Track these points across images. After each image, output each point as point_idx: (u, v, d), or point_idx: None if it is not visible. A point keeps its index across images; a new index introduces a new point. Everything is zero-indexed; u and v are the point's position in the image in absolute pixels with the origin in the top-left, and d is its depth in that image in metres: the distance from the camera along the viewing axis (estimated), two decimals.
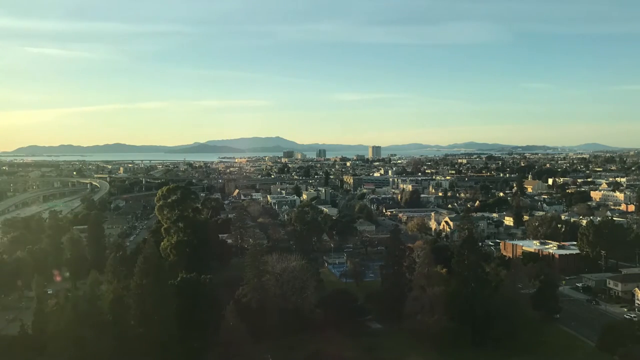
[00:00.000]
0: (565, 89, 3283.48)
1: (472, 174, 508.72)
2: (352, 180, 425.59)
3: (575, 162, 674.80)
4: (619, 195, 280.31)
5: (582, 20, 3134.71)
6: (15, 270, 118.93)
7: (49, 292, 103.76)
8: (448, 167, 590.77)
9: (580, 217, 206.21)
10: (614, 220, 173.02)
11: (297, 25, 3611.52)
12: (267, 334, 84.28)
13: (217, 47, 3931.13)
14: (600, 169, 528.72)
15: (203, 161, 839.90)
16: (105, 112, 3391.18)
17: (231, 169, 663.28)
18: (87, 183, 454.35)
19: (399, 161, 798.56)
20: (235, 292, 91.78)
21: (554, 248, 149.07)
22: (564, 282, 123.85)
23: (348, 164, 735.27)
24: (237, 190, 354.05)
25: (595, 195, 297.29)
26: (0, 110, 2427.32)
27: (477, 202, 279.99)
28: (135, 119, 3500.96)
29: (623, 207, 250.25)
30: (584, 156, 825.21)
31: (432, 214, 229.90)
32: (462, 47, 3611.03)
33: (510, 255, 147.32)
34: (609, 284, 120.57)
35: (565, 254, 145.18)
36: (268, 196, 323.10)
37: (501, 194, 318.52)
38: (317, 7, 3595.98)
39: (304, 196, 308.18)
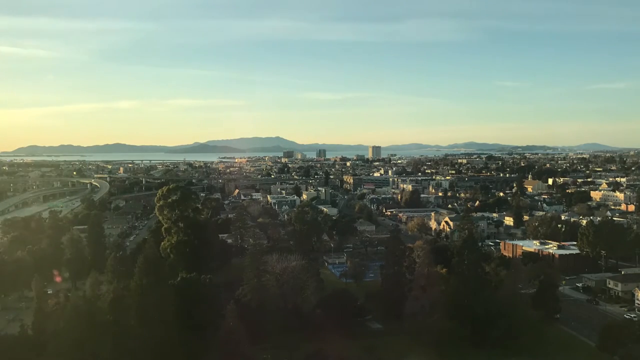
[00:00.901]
0: (545, 87, 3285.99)
1: (472, 174, 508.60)
2: (352, 180, 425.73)
3: (575, 162, 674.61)
4: (619, 195, 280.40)
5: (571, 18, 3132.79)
6: (15, 270, 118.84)
7: (49, 292, 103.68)
8: (448, 167, 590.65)
9: (580, 217, 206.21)
10: (614, 220, 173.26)
11: (250, 22, 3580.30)
12: (267, 334, 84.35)
13: (169, 45, 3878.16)
14: (600, 169, 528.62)
15: (203, 161, 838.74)
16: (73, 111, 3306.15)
17: (231, 169, 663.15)
18: (87, 183, 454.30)
19: (399, 161, 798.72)
20: (235, 292, 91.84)
21: (554, 248, 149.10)
22: (564, 282, 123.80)
23: (348, 164, 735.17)
24: (237, 190, 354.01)
25: (595, 195, 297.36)
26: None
27: (477, 202, 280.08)
28: (108, 118, 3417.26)
29: (623, 207, 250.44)
30: (584, 156, 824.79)
31: (432, 214, 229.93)
32: (430, 45, 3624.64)
33: (510, 255, 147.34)
34: (609, 284, 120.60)
35: (565, 254, 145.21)
36: (268, 196, 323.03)
37: (501, 194, 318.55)
38: (270, 2, 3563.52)
39: (304, 196, 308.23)
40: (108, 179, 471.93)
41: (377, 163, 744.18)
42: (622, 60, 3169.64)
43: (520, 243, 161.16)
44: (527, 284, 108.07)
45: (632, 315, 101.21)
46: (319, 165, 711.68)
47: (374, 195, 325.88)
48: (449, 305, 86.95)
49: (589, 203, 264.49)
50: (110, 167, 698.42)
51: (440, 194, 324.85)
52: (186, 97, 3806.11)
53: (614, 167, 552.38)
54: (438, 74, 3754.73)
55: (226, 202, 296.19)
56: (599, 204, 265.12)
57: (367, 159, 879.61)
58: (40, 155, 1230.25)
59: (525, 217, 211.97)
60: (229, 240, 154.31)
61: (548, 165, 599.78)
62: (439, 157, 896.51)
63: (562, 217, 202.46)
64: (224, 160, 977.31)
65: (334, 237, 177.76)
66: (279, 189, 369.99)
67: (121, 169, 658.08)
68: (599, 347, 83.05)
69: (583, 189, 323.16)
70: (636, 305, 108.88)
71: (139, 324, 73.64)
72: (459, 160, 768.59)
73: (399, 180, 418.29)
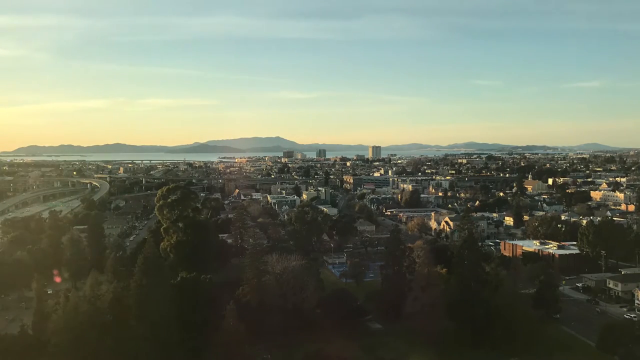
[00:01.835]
0: (518, 86, 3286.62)
1: (472, 174, 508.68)
2: (352, 180, 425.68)
3: (575, 162, 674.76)
4: (619, 195, 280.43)
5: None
6: (15, 270, 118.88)
7: (49, 292, 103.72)
8: (448, 167, 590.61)
9: (580, 217, 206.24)
10: (614, 220, 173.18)
11: (199, 19, 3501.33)
12: (267, 334, 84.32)
13: (118, 43, 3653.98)
14: (600, 169, 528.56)
15: (203, 161, 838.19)
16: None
17: (231, 169, 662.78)
18: (87, 183, 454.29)
19: (399, 161, 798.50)
20: (235, 292, 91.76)
21: (554, 248, 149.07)
22: (564, 282, 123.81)
23: (348, 164, 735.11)
24: (237, 190, 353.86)
25: (595, 195, 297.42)
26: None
27: (477, 202, 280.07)
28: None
29: (623, 207, 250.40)
30: (584, 156, 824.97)
31: (432, 214, 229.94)
32: (392, 42, 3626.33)
33: (510, 255, 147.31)
34: (609, 284, 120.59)
35: (565, 254, 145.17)
36: (268, 196, 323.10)
37: (501, 194, 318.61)
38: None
39: (304, 196, 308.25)
40: (108, 179, 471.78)
41: (377, 163, 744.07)
42: (595, 59, 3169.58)
43: (520, 243, 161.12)
44: (527, 284, 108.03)
45: (632, 315, 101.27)
46: (319, 165, 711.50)
47: (374, 195, 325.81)
48: (449, 305, 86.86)
49: (589, 203, 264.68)
50: (110, 167, 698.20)
51: (440, 194, 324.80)
52: (151, 97, 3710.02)
53: (614, 167, 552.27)
54: (409, 72, 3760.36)
55: (226, 202, 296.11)
56: (599, 204, 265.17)
57: (367, 159, 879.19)
58: (40, 155, 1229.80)
59: (525, 217, 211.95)
60: (229, 240, 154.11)
61: (548, 165, 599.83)
62: (439, 157, 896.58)
63: (562, 217, 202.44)
64: (224, 160, 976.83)
65: (334, 237, 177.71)
66: (279, 189, 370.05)
67: (121, 169, 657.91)
68: (599, 347, 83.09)
69: (583, 189, 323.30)
70: (636, 305, 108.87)
71: (139, 324, 73.69)
72: (459, 160, 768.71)
73: (399, 180, 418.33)
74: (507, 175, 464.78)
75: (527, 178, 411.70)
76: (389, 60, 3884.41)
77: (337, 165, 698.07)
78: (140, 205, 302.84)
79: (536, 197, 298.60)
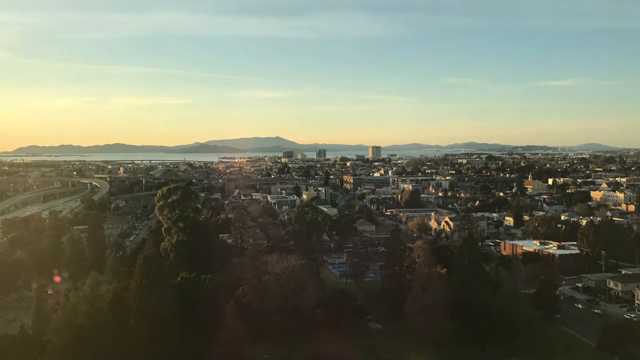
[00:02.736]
0: (495, 85, 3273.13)
1: (472, 174, 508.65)
2: (352, 180, 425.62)
3: (575, 162, 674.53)
4: (619, 195, 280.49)
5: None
6: (15, 270, 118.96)
7: (49, 292, 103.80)
8: (448, 167, 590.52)
9: (580, 217, 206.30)
10: (614, 220, 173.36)
11: (133, 16, 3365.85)
12: (267, 334, 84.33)
13: (67, 39, 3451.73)
14: (600, 169, 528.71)
15: (203, 161, 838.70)
16: None
17: (231, 169, 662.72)
18: (87, 183, 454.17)
19: (399, 161, 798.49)
20: (235, 292, 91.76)
21: (554, 248, 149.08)
22: (564, 282, 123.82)
23: (348, 164, 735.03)
24: (237, 190, 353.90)
25: (595, 195, 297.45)
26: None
27: (477, 202, 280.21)
28: None
29: (623, 207, 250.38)
30: (584, 156, 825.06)
31: (432, 214, 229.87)
32: (348, 41, 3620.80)
33: (510, 255, 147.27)
34: (609, 284, 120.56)
35: (565, 254, 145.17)
36: (268, 196, 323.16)
37: (501, 194, 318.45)
38: None
39: (304, 196, 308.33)
40: (108, 179, 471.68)
41: (377, 163, 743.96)
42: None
43: (520, 243, 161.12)
44: (527, 284, 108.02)
45: (632, 315, 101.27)
46: (319, 165, 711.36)
47: (374, 195, 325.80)
48: (449, 305, 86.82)
49: (589, 203, 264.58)
50: (110, 167, 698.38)
51: (440, 194, 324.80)
52: (120, 96, 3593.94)
53: (614, 167, 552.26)
54: (375, 70, 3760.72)
55: (226, 202, 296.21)
56: (599, 204, 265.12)
57: (367, 159, 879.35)
58: (40, 155, 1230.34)
59: (525, 217, 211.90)
60: (229, 240, 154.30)
61: (548, 165, 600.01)
62: (439, 157, 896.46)
63: (562, 217, 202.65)
64: (224, 160, 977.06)
65: (334, 237, 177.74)
66: (279, 189, 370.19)
67: (121, 169, 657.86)
68: (599, 347, 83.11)
69: (583, 189, 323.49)
70: (636, 305, 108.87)
71: (139, 324, 73.64)
72: (459, 160, 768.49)
73: (399, 180, 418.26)
74: (507, 176, 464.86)
75: (527, 178, 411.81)
76: (365, 58, 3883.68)
77: (337, 166, 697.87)
78: (140, 205, 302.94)
79: (536, 197, 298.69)
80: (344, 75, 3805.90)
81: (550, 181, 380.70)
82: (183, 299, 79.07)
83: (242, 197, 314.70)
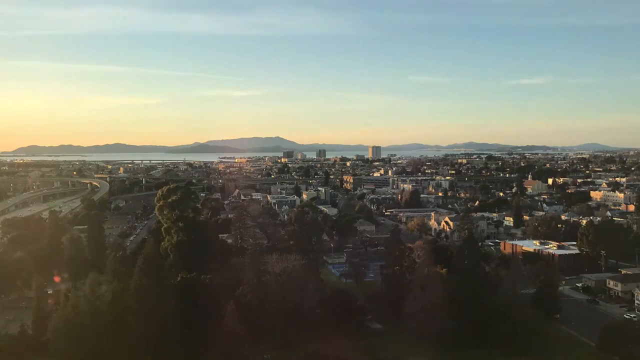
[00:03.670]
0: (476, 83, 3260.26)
1: (472, 174, 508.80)
2: (352, 180, 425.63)
3: (575, 162, 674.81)
4: (619, 195, 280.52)
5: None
6: (15, 270, 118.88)
7: (49, 292, 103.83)
8: (448, 167, 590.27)
9: (580, 217, 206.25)
10: (614, 220, 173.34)
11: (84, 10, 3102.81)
12: (267, 334, 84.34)
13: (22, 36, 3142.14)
14: (600, 169, 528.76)
15: (203, 161, 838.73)
16: None
17: (231, 169, 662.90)
18: (87, 183, 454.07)
19: (399, 161, 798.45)
20: (235, 292, 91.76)
21: (554, 248, 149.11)
22: (563, 282, 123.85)
23: (348, 164, 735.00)
24: (237, 190, 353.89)
25: (595, 195, 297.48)
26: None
27: (477, 202, 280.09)
28: None
29: (623, 207, 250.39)
30: (584, 156, 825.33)
31: (432, 214, 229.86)
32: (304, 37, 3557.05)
33: (511, 255, 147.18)
34: (609, 284, 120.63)
35: (565, 254, 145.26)
36: (268, 196, 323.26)
37: (501, 194, 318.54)
38: None
39: (304, 196, 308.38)
40: (108, 179, 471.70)
41: (377, 163, 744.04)
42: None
43: (520, 243, 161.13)
44: (527, 284, 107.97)
45: (632, 315, 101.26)
46: (319, 165, 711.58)
47: (374, 195, 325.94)
48: (449, 305, 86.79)
49: (589, 203, 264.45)
50: (110, 167, 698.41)
51: (440, 194, 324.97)
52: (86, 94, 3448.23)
53: (614, 167, 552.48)
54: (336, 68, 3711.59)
55: (226, 202, 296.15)
56: (599, 204, 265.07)
57: (367, 159, 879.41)
58: (40, 155, 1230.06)
59: (525, 217, 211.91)
60: (229, 240, 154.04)
61: (548, 165, 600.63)
62: (439, 157, 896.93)
63: (562, 217, 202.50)
64: (224, 160, 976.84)
65: (334, 237, 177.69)
66: (279, 189, 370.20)
67: (121, 169, 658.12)
68: (598, 347, 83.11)
69: (583, 189, 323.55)
70: (636, 305, 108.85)
71: (139, 324, 73.66)
72: (459, 160, 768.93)
73: (399, 180, 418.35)
74: (507, 176, 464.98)
75: (527, 178, 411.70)
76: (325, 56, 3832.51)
77: (337, 165, 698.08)
78: (140, 205, 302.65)
79: (536, 197, 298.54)
80: (298, 74, 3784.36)
81: (550, 181, 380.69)
82: (183, 299, 79.09)
83: (242, 197, 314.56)
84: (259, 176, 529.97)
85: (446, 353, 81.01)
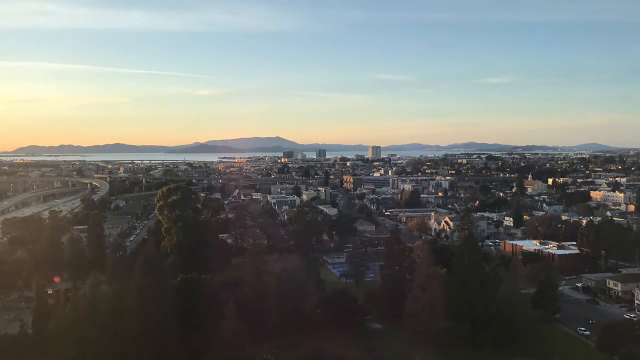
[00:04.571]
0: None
1: (472, 174, 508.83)
2: (352, 180, 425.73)
3: (575, 162, 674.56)
4: (619, 195, 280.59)
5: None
6: (15, 270, 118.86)
7: (49, 292, 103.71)
8: (448, 167, 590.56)
9: (580, 217, 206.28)
10: (614, 220, 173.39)
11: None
12: (267, 334, 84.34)
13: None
14: (600, 169, 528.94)
15: (203, 161, 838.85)
16: None
17: (231, 169, 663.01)
18: (87, 183, 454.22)
19: (399, 161, 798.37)
20: (235, 292, 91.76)
21: (554, 248, 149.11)
22: (564, 282, 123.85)
23: (348, 164, 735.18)
24: (237, 190, 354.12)
25: (596, 195, 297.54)
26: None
27: (477, 202, 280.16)
28: None
29: (623, 207, 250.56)
30: (584, 156, 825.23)
31: (432, 214, 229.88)
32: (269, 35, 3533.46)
33: (511, 255, 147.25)
34: (609, 284, 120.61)
35: (565, 254, 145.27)
36: (268, 196, 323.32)
37: (501, 194, 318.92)
38: None
39: (304, 196, 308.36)
40: (108, 179, 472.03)
41: (377, 163, 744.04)
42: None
43: (520, 243, 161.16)
44: (527, 284, 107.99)
45: (632, 315, 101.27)
46: (319, 165, 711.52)
47: (374, 195, 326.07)
48: (449, 305, 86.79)
49: (589, 203, 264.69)
50: (110, 167, 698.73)
51: (440, 194, 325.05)
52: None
53: (614, 167, 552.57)
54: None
55: (226, 202, 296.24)
56: (599, 204, 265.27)
57: (367, 159, 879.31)
58: (40, 155, 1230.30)
59: (525, 217, 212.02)
60: (229, 240, 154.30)
61: (548, 165, 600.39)
62: (439, 157, 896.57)
63: (562, 217, 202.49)
64: (223, 160, 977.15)
65: (334, 237, 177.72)
66: (279, 189, 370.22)
67: (121, 169, 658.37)
68: (598, 347, 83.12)
69: (583, 189, 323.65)
70: (636, 305, 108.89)
71: (139, 324, 73.64)
72: (459, 160, 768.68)
73: (399, 180, 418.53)
74: (507, 175, 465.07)
75: (527, 178, 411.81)
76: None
77: (337, 165, 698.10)
78: (140, 205, 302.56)
79: (536, 197, 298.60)
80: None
81: (550, 181, 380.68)
82: (183, 299, 79.09)
83: (242, 197, 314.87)
84: (259, 176, 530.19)
85: (446, 353, 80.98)
